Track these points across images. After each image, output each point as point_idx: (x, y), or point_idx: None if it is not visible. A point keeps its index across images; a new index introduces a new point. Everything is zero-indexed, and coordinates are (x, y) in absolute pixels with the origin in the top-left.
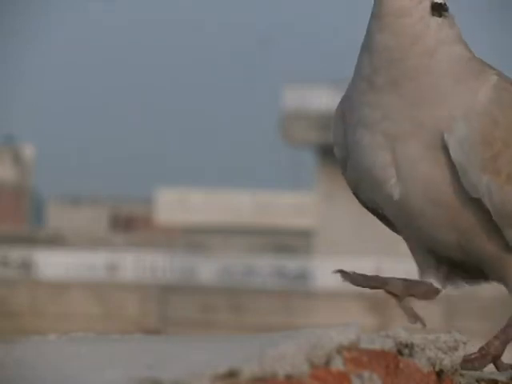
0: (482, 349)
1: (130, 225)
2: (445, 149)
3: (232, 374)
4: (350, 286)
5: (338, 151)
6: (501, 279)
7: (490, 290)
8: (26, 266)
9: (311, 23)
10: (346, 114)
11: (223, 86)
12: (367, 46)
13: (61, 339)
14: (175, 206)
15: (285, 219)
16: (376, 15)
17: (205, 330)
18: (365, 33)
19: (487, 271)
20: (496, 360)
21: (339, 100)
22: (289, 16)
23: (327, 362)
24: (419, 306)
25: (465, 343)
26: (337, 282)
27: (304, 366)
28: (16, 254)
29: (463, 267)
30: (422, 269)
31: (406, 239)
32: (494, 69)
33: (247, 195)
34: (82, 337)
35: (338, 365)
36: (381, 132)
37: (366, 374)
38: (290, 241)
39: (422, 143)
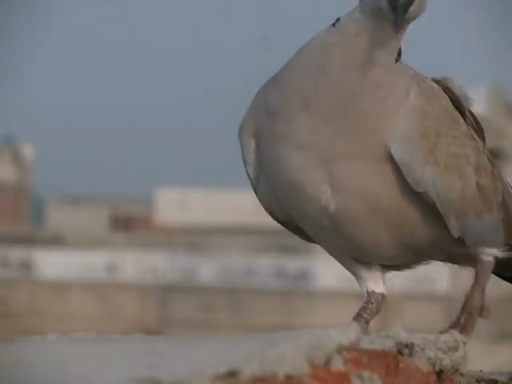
0: (463, 309)
1: (130, 225)
2: (385, 157)
3: (232, 374)
4: (350, 286)
5: (251, 170)
6: (444, 260)
7: (489, 290)
8: (26, 265)
9: (311, 23)
10: (262, 129)
11: (223, 85)
12: (316, 67)
13: (61, 339)
14: (175, 206)
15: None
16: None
17: (205, 330)
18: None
19: (425, 258)
20: (482, 311)
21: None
22: (288, 16)
23: (327, 362)
24: (420, 308)
25: (465, 343)
26: (337, 281)
27: (304, 366)
28: (16, 254)
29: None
30: (356, 273)
31: (329, 247)
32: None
33: (247, 195)
34: (81, 337)
35: (338, 365)
36: (314, 153)
37: (366, 374)
38: (290, 241)
39: (361, 160)
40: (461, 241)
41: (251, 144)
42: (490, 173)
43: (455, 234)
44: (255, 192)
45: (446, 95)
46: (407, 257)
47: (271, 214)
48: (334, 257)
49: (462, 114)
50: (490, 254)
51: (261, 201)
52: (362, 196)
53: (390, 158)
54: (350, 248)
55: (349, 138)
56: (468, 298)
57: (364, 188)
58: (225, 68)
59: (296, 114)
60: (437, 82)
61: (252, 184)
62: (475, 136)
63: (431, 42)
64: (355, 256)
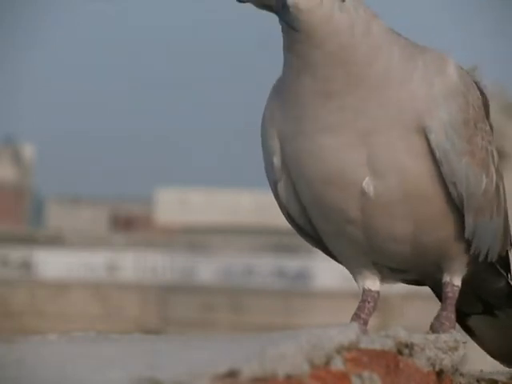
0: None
1: (130, 225)
2: (422, 132)
3: (232, 374)
4: (350, 286)
5: (276, 159)
6: (435, 269)
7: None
8: (26, 265)
9: None
10: (285, 130)
11: (224, 86)
12: (303, 69)
13: (61, 339)
14: (175, 206)
15: (285, 219)
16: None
17: (205, 330)
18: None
19: (424, 265)
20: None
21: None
22: None
23: (327, 362)
24: (420, 307)
25: (465, 343)
26: (337, 281)
27: (304, 366)
28: (16, 253)
29: (401, 268)
30: (357, 270)
31: (337, 244)
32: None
33: (247, 195)
34: (81, 337)
35: (337, 365)
36: (355, 130)
37: (366, 373)
38: (290, 241)
39: (400, 133)
40: (463, 249)
41: (277, 134)
42: (501, 176)
43: (468, 234)
44: (274, 185)
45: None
46: (411, 260)
47: (286, 210)
48: (340, 255)
49: (486, 113)
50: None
51: (279, 194)
52: (400, 179)
53: (429, 142)
54: (367, 242)
55: (379, 109)
56: (437, 327)
57: (403, 170)
58: (225, 69)
59: (320, 104)
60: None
61: (273, 176)
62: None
63: (431, 42)
64: (366, 252)
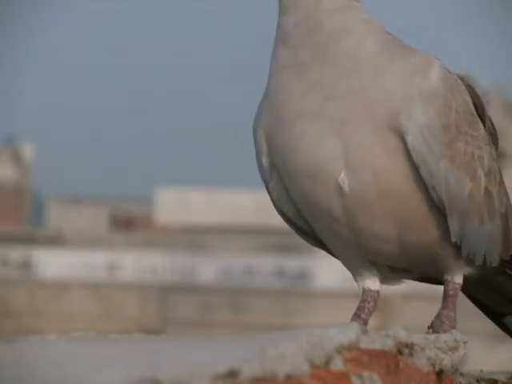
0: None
1: (130, 225)
2: (398, 131)
3: (232, 374)
4: (350, 286)
5: (265, 160)
6: (433, 268)
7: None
8: (26, 265)
9: None
10: (270, 127)
11: (224, 86)
12: (278, 39)
13: (61, 339)
14: (175, 206)
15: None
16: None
17: (205, 330)
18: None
19: (419, 264)
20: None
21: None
22: None
23: (327, 362)
24: (419, 307)
25: (465, 343)
26: (337, 281)
27: (304, 366)
28: (16, 253)
29: (392, 265)
30: (356, 270)
31: (335, 244)
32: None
33: (247, 195)
34: (81, 337)
35: (338, 365)
36: (329, 118)
37: (366, 373)
38: (290, 241)
39: (373, 127)
40: (455, 250)
41: (264, 135)
42: (498, 182)
43: (454, 237)
44: (266, 186)
45: (468, 93)
46: (403, 260)
47: (281, 210)
48: (338, 254)
49: (481, 117)
50: (461, 277)
51: (271, 195)
52: (374, 177)
53: (405, 142)
54: (356, 242)
55: (349, 97)
56: (437, 326)
57: (376, 166)
58: (225, 69)
59: (294, 82)
60: (460, 78)
61: (264, 176)
62: (490, 141)
63: (431, 42)
64: (359, 252)
